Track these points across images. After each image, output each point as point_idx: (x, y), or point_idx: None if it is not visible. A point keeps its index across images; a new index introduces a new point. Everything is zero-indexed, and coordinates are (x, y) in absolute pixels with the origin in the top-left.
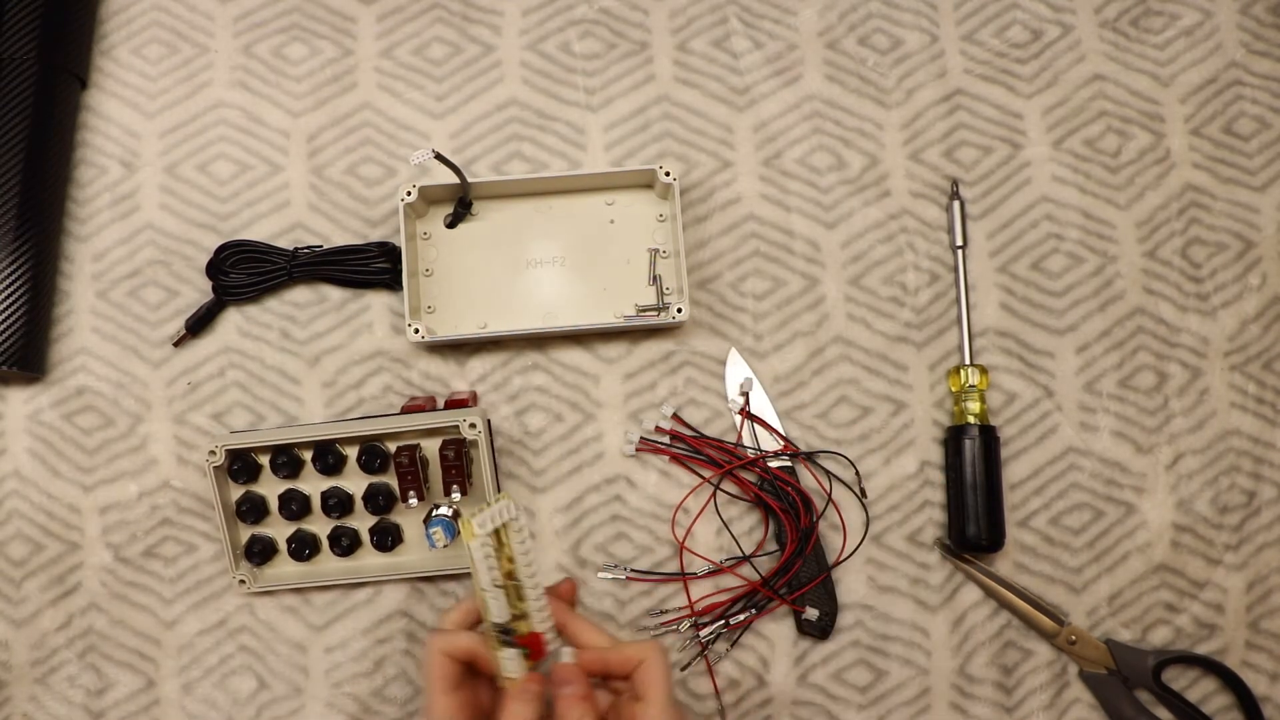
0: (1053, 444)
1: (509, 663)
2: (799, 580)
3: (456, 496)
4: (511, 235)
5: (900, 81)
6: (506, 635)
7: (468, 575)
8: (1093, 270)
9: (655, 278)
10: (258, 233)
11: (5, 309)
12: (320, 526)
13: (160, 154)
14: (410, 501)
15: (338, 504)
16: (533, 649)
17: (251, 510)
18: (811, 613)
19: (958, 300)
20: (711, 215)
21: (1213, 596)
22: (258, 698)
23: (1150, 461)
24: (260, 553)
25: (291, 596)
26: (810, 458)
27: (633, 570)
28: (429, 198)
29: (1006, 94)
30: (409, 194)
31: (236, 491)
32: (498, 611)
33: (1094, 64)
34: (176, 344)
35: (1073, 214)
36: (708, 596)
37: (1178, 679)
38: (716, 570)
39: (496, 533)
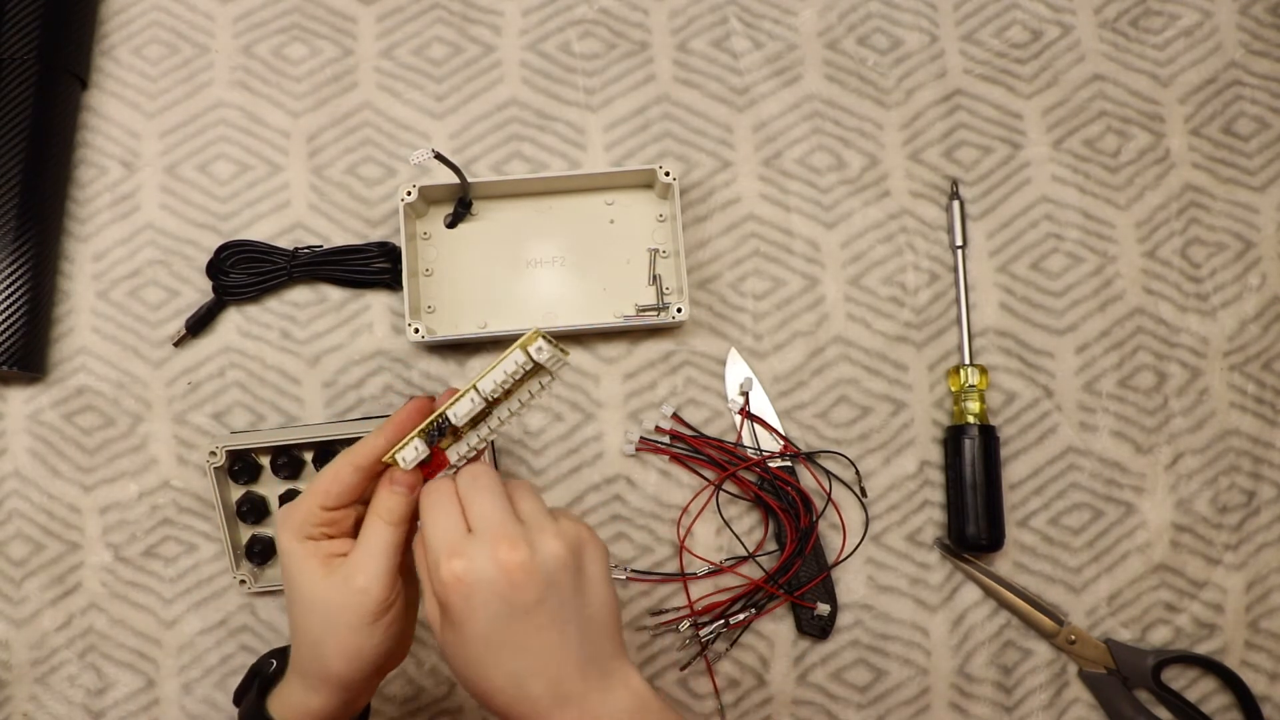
0: (1052, 444)
1: (410, 452)
2: (799, 580)
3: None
4: (511, 235)
5: (900, 81)
6: (435, 434)
7: None
8: (1092, 270)
9: (655, 278)
10: (258, 233)
11: (5, 309)
12: None
13: (160, 154)
14: None
15: None
16: (434, 461)
17: (252, 510)
18: (823, 608)
19: (957, 300)
20: (711, 215)
21: (1212, 596)
22: None
23: (1150, 461)
24: (261, 553)
25: None
26: (810, 458)
27: (633, 570)
28: (429, 198)
29: (1006, 94)
30: (409, 194)
31: (237, 492)
32: (461, 412)
33: (1094, 64)
34: (177, 344)
35: (1072, 214)
36: (707, 596)
37: (1177, 679)
38: (716, 570)
39: (536, 366)
